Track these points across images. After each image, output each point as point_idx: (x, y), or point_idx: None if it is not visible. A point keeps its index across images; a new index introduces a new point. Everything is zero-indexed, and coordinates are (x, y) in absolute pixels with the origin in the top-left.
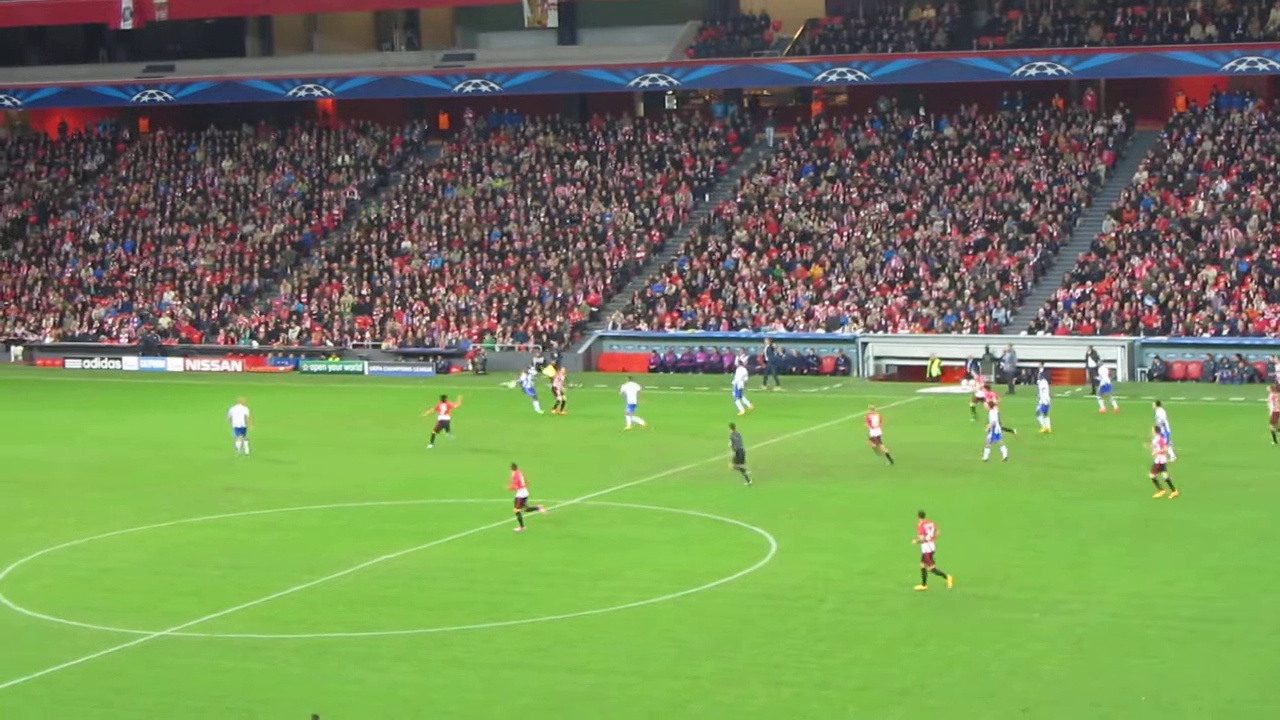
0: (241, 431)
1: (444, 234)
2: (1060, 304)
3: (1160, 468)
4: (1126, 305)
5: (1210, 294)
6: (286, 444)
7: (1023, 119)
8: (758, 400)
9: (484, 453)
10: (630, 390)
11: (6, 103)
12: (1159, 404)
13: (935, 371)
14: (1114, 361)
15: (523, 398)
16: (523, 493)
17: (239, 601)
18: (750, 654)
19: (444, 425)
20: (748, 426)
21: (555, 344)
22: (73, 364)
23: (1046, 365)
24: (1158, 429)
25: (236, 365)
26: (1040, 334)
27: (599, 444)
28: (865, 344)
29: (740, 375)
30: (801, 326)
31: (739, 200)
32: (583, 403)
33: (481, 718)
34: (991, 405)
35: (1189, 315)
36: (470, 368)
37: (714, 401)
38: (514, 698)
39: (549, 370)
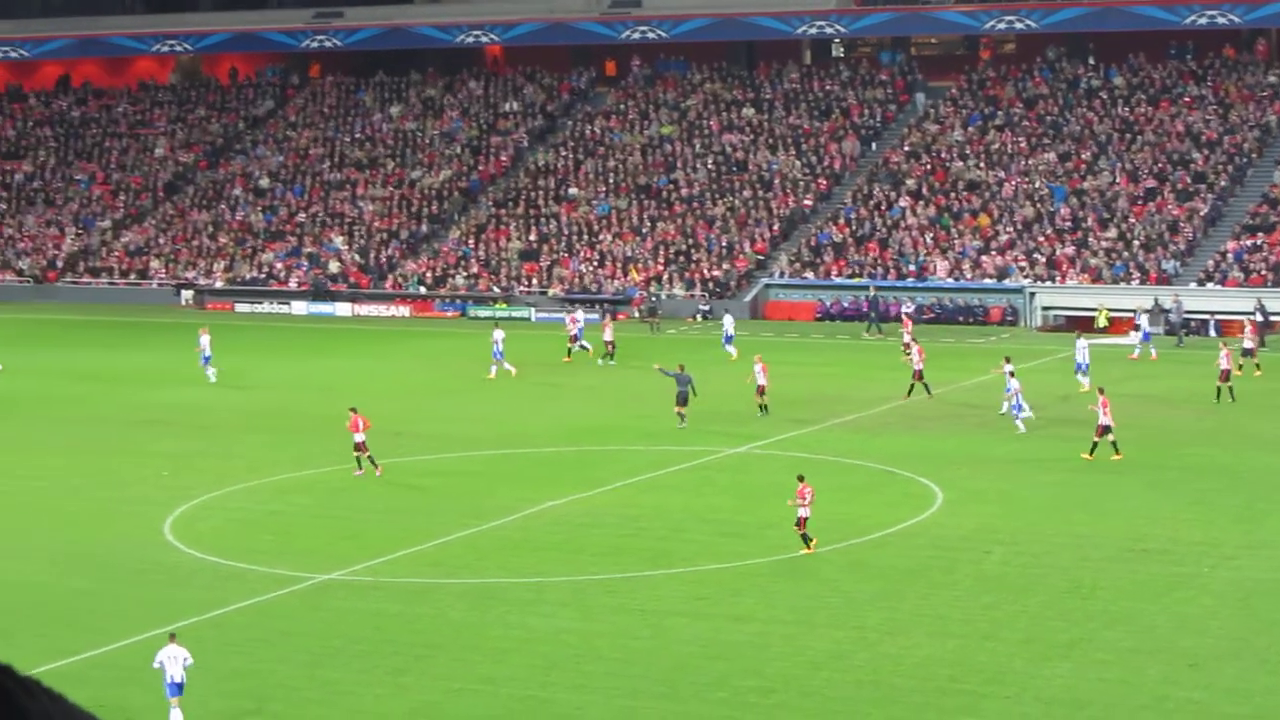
0: (208, 360)
1: (611, 180)
2: (1230, 255)
3: (1105, 429)
4: None
5: None
6: (452, 390)
7: (1193, 68)
8: (868, 347)
9: (649, 399)
10: (728, 322)
11: (178, 48)
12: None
13: (1103, 322)
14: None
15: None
16: (360, 436)
17: (404, 546)
18: (915, 604)
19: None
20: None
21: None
22: (242, 308)
23: (1080, 330)
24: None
25: (404, 311)
26: (1209, 285)
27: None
28: (1033, 294)
29: (728, 321)
30: (969, 276)
31: (906, 149)
32: (750, 350)
33: (645, 664)
34: (1012, 375)
35: None
36: (636, 315)
37: (881, 350)
38: (678, 645)
39: (605, 320)
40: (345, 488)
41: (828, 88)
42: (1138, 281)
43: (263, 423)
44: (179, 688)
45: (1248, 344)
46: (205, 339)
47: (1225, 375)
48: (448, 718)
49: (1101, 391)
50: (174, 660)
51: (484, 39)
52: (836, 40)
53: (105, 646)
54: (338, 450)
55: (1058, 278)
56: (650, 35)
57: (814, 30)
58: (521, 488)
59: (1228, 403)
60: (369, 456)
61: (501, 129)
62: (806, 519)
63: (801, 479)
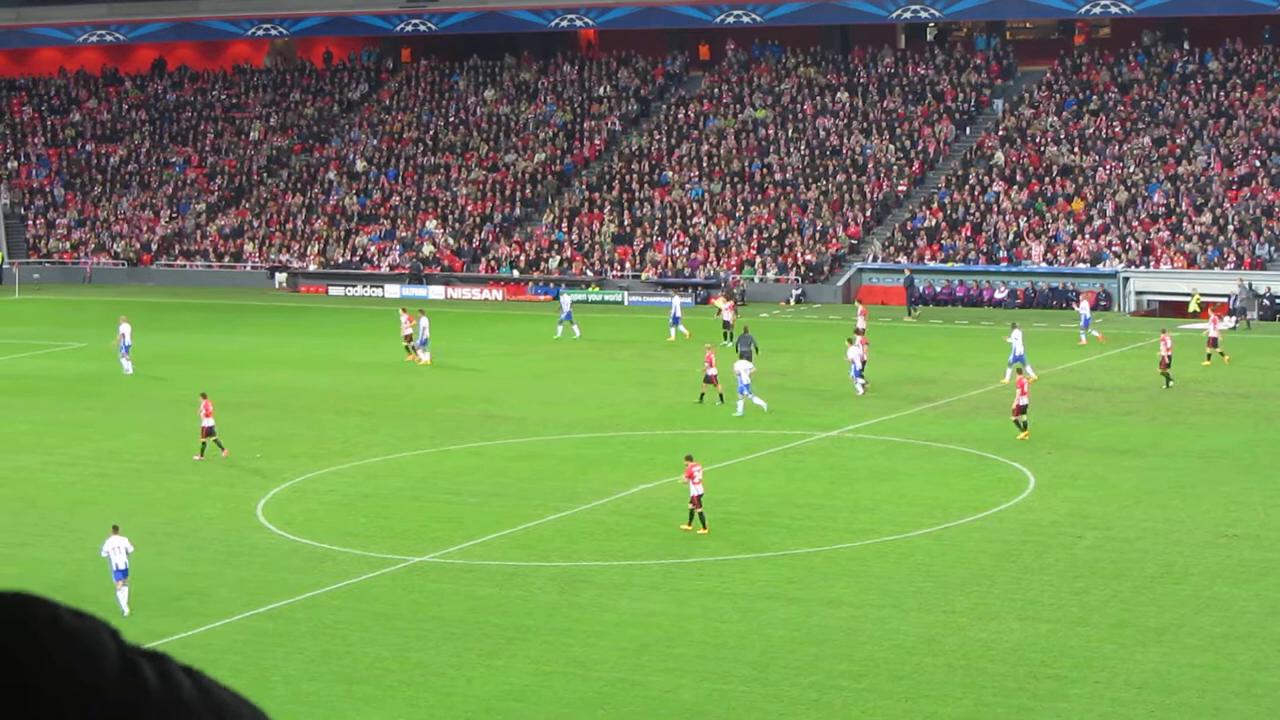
0: (127, 350)
1: (704, 164)
2: None
3: (1021, 409)
4: None
5: None
6: (545, 373)
7: None
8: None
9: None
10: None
11: (273, 32)
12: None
13: (1195, 307)
14: None
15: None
16: (209, 421)
17: (497, 529)
18: (1006, 589)
19: (210, 432)
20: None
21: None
22: (336, 291)
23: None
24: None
25: (497, 294)
26: None
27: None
28: (1126, 279)
29: (677, 304)
30: (1063, 260)
31: (1000, 133)
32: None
33: (737, 648)
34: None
35: None
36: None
37: (973, 335)
38: (769, 629)
39: (719, 301)
40: (439, 471)
41: (922, 72)
42: (1232, 266)
43: (357, 405)
44: (124, 573)
45: (1213, 333)
46: (125, 328)
47: (1165, 363)
48: (539, 701)
49: (1020, 373)
50: (118, 550)
51: (578, 23)
52: (931, 24)
53: (200, 628)
54: (430, 433)
55: (1151, 263)
56: (745, 19)
57: (909, 14)
58: (614, 470)
59: (1175, 389)
60: (216, 440)
61: (595, 113)
62: (700, 496)
63: (689, 458)
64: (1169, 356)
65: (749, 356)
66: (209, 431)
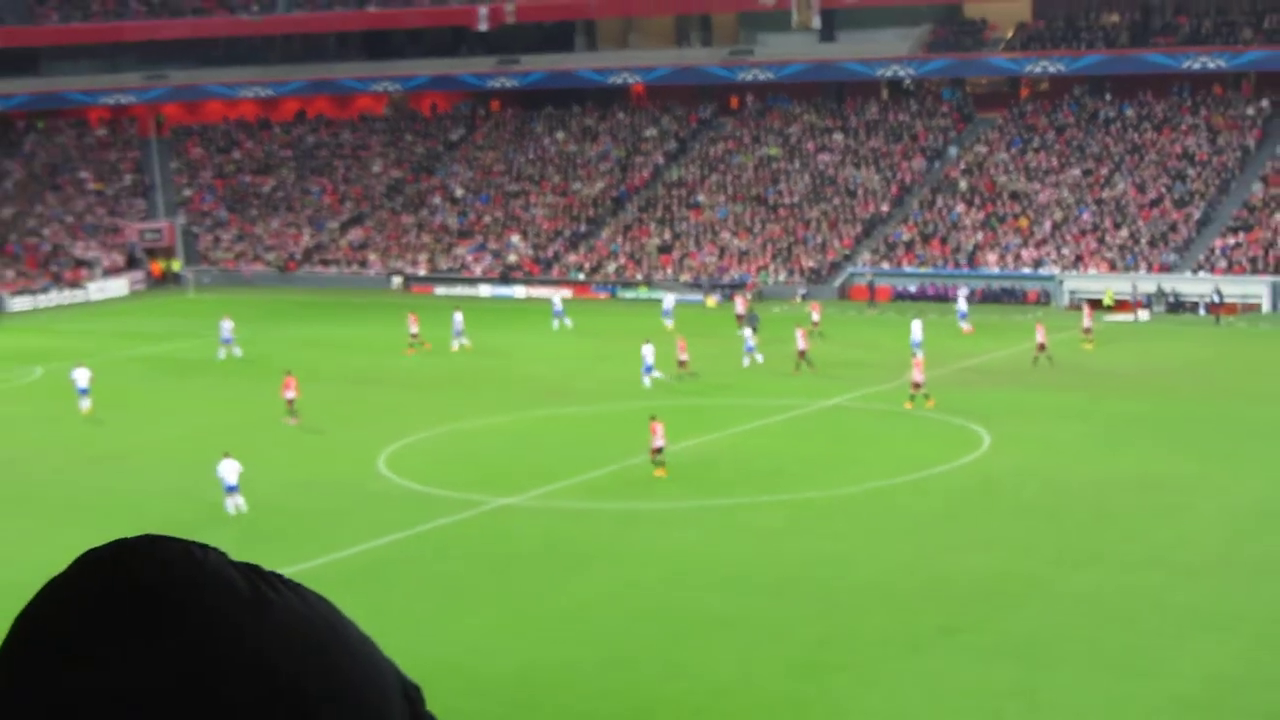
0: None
1: (729, 191)
2: (1218, 250)
3: (918, 385)
4: (1270, 251)
5: None
6: (607, 355)
7: (1189, 102)
8: (930, 324)
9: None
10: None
11: (390, 88)
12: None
13: (1109, 301)
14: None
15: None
16: (290, 394)
17: (568, 477)
18: (969, 525)
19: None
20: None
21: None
22: (440, 290)
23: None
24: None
25: (567, 293)
26: (1200, 273)
27: (853, 358)
28: (1061, 280)
29: (668, 299)
30: (1011, 266)
31: (962, 166)
32: (835, 327)
33: (758, 571)
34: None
35: None
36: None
37: (941, 326)
38: (780, 558)
39: (809, 305)
40: (526, 431)
41: (900, 118)
42: (1144, 270)
43: (458, 379)
44: (234, 488)
45: (1087, 323)
46: (227, 323)
47: (1041, 347)
48: (600, 617)
49: (914, 355)
50: (230, 470)
51: (630, 79)
52: (908, 80)
53: (337, 553)
54: (516, 401)
55: (1081, 267)
56: (761, 77)
57: (890, 73)
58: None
59: (1045, 366)
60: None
61: (643, 150)
62: (661, 448)
63: (653, 417)
64: (1044, 342)
65: (754, 327)
66: (291, 403)
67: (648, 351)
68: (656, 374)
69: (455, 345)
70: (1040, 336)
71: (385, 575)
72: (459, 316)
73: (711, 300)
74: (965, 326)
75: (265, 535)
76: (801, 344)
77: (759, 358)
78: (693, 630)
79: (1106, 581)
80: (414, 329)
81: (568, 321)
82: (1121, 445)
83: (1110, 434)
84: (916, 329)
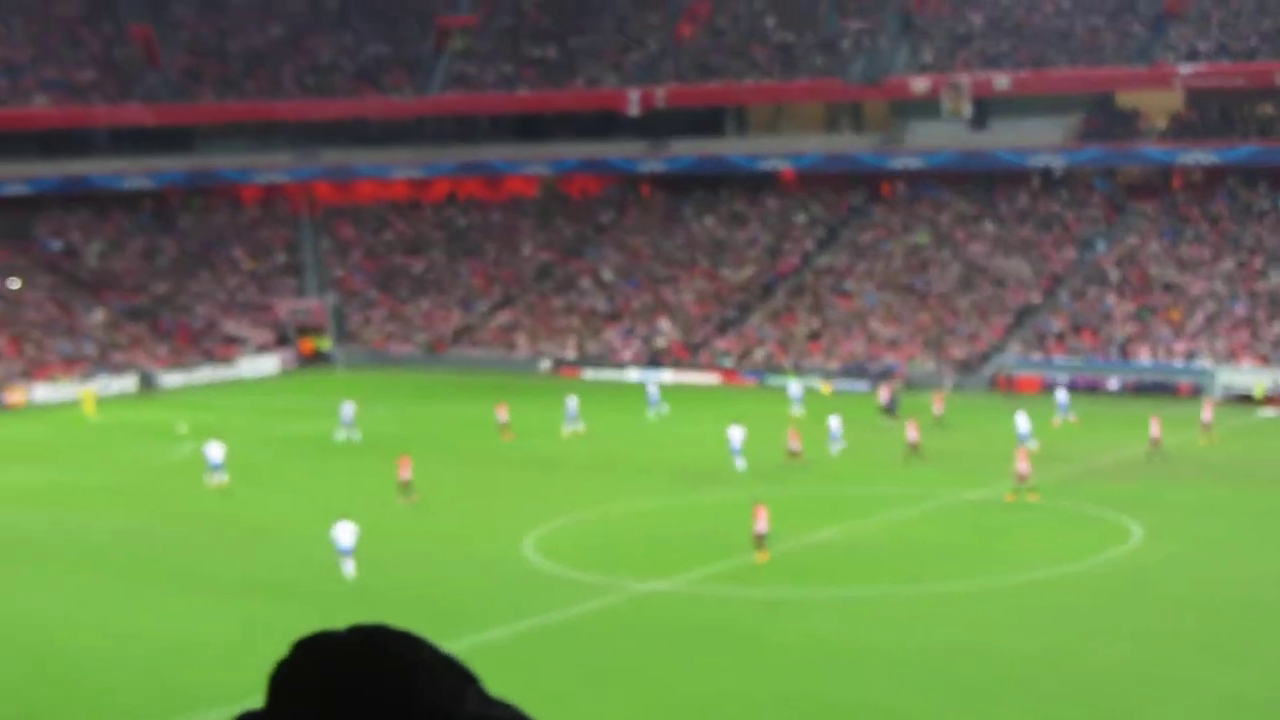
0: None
1: (879, 278)
2: None
3: (1023, 477)
4: None
5: None
6: (752, 440)
7: None
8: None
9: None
10: (572, 402)
11: (541, 170)
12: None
13: (1259, 395)
14: None
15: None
16: (406, 475)
17: (708, 564)
18: (1118, 618)
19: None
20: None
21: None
22: (588, 374)
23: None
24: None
25: (715, 378)
26: None
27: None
28: (1213, 373)
29: (795, 388)
30: (1164, 358)
31: (1114, 256)
32: (982, 417)
33: (894, 662)
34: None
35: None
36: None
37: (1090, 416)
38: (923, 649)
39: (933, 396)
40: (664, 516)
41: (1051, 207)
42: None
43: (601, 463)
44: (349, 550)
45: (1206, 417)
46: (349, 407)
47: (1155, 441)
48: (737, 706)
49: (1020, 446)
50: (346, 532)
51: (780, 165)
52: (1059, 170)
53: (479, 635)
54: (659, 486)
55: (1234, 360)
56: (911, 165)
57: (1041, 161)
58: (800, 519)
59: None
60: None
61: (793, 237)
62: (764, 534)
63: (758, 502)
64: (1158, 436)
65: (893, 412)
66: (406, 484)
67: (735, 434)
68: (740, 462)
69: (566, 430)
70: (1154, 430)
71: (531, 657)
72: (573, 402)
73: (827, 387)
74: (1058, 420)
75: (408, 614)
76: (913, 435)
77: (843, 444)
78: None
79: (1252, 680)
80: (503, 417)
81: (664, 409)
82: (1272, 540)
83: (1260, 529)
84: (1022, 421)
